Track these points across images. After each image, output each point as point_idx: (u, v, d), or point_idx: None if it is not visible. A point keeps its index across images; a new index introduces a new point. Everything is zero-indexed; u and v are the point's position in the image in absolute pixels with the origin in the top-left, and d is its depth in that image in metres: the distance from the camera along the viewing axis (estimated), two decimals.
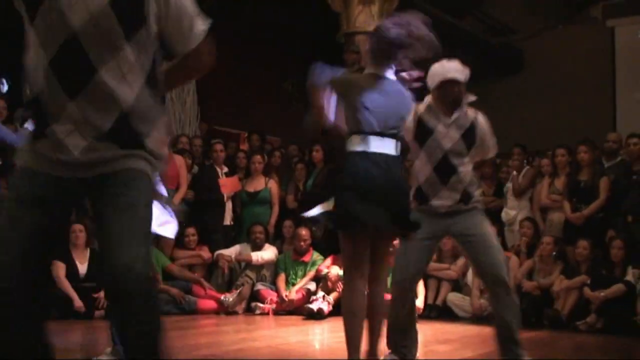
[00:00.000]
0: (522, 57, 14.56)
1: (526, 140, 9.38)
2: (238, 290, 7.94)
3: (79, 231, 7.45)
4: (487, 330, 5.43)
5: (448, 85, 4.29)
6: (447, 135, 4.34)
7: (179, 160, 8.36)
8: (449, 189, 4.34)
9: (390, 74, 4.01)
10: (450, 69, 4.28)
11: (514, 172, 8.60)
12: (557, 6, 14.26)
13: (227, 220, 8.86)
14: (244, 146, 10.81)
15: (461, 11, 13.72)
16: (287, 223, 8.72)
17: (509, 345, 4.24)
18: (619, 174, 7.93)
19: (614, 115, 13.49)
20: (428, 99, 4.42)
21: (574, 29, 14.23)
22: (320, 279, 7.95)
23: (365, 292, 3.92)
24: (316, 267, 8.09)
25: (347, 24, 10.12)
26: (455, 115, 4.34)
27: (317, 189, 8.73)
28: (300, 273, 8.18)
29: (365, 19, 10.08)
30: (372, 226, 3.83)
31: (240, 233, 8.86)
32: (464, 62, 4.32)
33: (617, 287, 6.95)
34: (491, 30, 14.67)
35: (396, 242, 4.51)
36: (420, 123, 4.37)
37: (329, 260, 8.07)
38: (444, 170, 4.35)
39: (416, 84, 4.12)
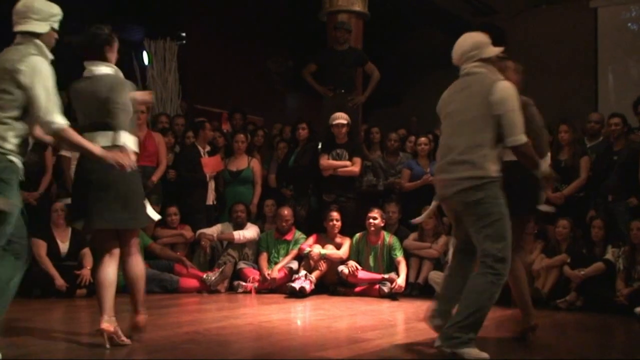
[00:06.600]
0: (505, 36, 14.51)
1: None
2: (220, 269, 7.92)
3: (60, 210, 7.43)
4: None
5: None
6: None
7: (158, 138, 8.35)
8: None
9: None
10: None
11: None
12: None
13: (210, 199, 8.82)
14: (226, 125, 10.74)
15: None
16: (269, 202, 8.71)
17: None
18: (600, 154, 7.96)
19: (596, 95, 13.52)
20: None
21: (556, 9, 14.22)
22: (302, 258, 7.96)
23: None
24: (298, 245, 8.10)
25: (329, 2, 10.04)
26: None
27: (300, 167, 8.73)
28: (282, 252, 8.19)
29: None
30: None
31: (222, 212, 8.83)
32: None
33: (597, 266, 7.02)
34: (474, 10, 14.64)
35: None
36: None
37: (311, 239, 8.09)
38: None
39: None
